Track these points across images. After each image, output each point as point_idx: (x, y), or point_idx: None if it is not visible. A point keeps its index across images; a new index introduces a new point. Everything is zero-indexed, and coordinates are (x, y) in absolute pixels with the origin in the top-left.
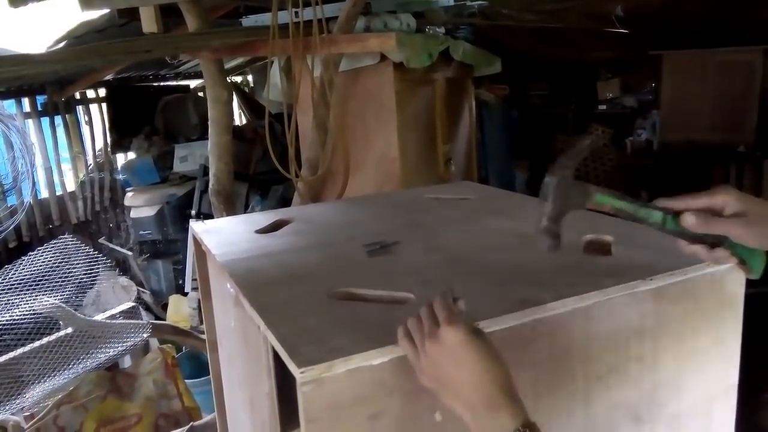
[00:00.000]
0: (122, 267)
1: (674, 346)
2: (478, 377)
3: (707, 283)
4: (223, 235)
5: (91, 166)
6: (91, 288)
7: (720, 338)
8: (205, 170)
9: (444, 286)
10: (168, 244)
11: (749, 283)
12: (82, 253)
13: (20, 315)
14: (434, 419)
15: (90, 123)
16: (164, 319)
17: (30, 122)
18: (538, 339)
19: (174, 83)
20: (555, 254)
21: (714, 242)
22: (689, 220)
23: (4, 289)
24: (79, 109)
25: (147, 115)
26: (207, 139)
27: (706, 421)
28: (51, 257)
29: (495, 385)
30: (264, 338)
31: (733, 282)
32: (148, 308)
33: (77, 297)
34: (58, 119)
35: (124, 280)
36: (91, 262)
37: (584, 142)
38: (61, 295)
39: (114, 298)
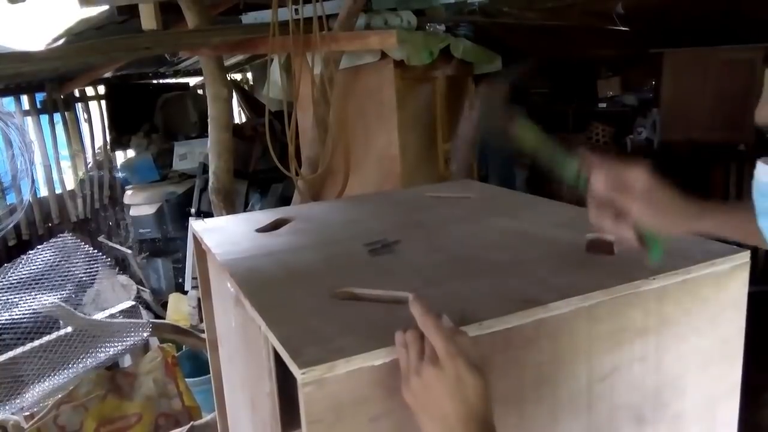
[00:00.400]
0: (122, 265)
1: (677, 346)
2: (467, 412)
3: (711, 283)
4: (224, 234)
5: (90, 164)
6: (90, 286)
7: (723, 338)
8: (204, 168)
9: (456, 311)
10: (167, 243)
11: (751, 282)
12: (81, 251)
13: (20, 314)
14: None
15: (89, 121)
16: (164, 318)
17: (29, 120)
18: (540, 339)
19: (173, 81)
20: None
21: (619, 213)
22: (599, 180)
23: (3, 288)
24: (79, 106)
25: (146, 113)
26: (206, 136)
27: (709, 421)
28: (50, 256)
29: (481, 423)
30: (265, 338)
31: (737, 281)
32: (147, 307)
33: (77, 296)
34: (57, 117)
35: (123, 278)
36: (90, 260)
37: (513, 72)
38: (60, 294)
39: (113, 297)
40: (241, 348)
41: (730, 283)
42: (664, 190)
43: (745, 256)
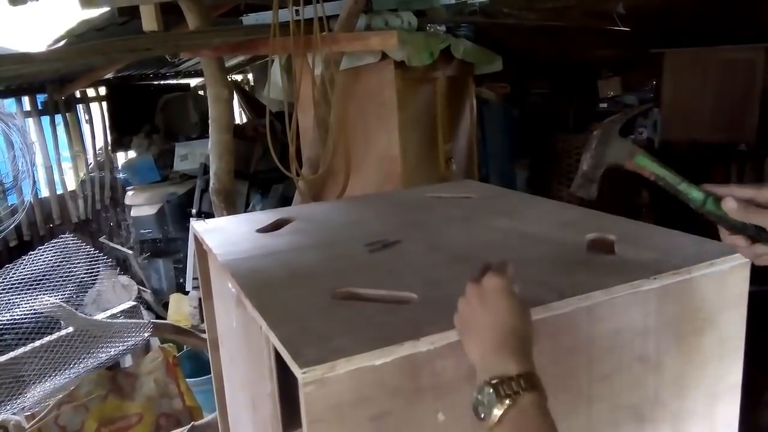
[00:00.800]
0: (123, 266)
1: (678, 346)
2: (501, 323)
3: (711, 283)
4: (225, 235)
5: (91, 165)
6: (91, 287)
7: (724, 338)
8: (205, 169)
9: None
10: (168, 243)
11: (751, 282)
12: (82, 252)
13: (21, 314)
14: (437, 420)
15: (90, 121)
16: (165, 318)
17: (30, 121)
18: (541, 338)
19: (174, 82)
20: (590, 198)
21: (754, 236)
22: (730, 204)
23: (4, 289)
24: (80, 107)
25: (147, 114)
26: (207, 137)
27: (709, 421)
28: (51, 256)
29: (514, 335)
30: (266, 338)
31: (737, 281)
32: (148, 307)
33: (78, 296)
34: (58, 118)
35: (124, 279)
36: (91, 261)
37: (636, 107)
38: (61, 295)
39: (114, 297)
40: (242, 348)
41: (730, 282)
42: None
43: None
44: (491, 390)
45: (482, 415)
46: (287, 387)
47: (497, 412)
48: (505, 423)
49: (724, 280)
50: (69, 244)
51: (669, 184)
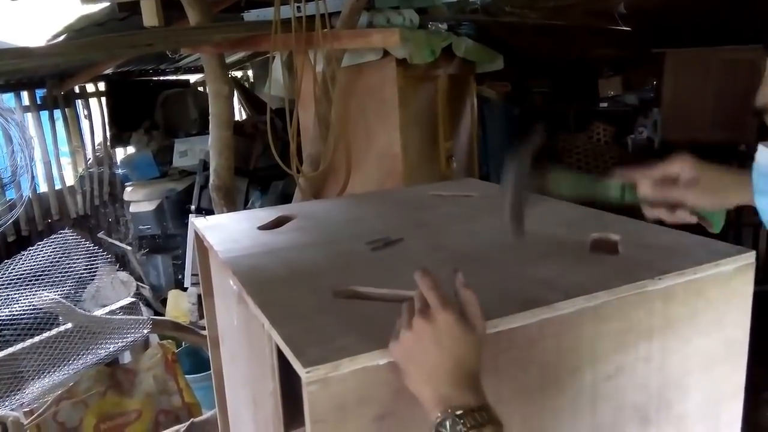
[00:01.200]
0: (122, 262)
1: (682, 347)
2: (456, 361)
3: (716, 283)
4: (226, 232)
5: (90, 161)
6: (90, 283)
7: (728, 339)
8: (205, 165)
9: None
10: (167, 239)
11: (757, 281)
12: (81, 248)
13: (19, 310)
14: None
15: (89, 117)
16: (163, 314)
17: (29, 116)
18: (545, 339)
19: (174, 78)
20: (521, 241)
21: (674, 204)
22: (646, 189)
23: (3, 284)
24: (79, 103)
25: (147, 110)
26: (207, 134)
27: (713, 421)
28: (50, 252)
29: (468, 371)
30: (268, 337)
31: (742, 282)
32: (147, 303)
33: (77, 292)
34: (57, 113)
35: (123, 275)
36: (90, 257)
37: (536, 138)
38: (60, 290)
39: (113, 293)
40: (244, 346)
41: (735, 283)
42: (709, 172)
43: (750, 257)
44: (460, 421)
45: None
46: (289, 385)
47: None
48: None
49: (728, 281)
50: (68, 239)
51: (587, 195)
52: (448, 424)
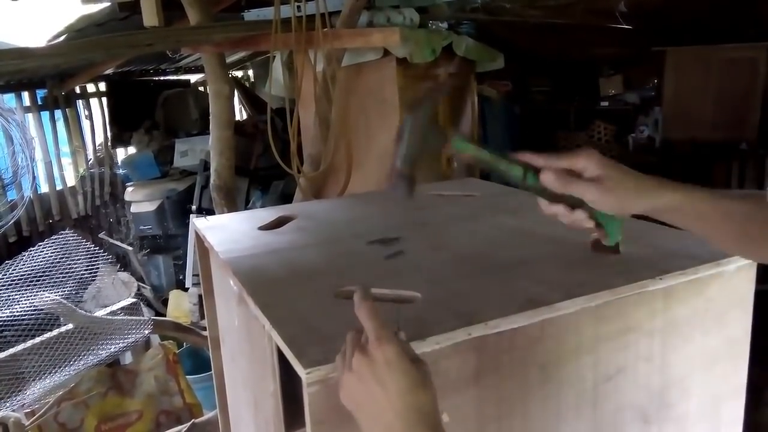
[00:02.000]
0: (123, 262)
1: (683, 346)
2: (403, 403)
3: (717, 283)
4: (226, 232)
5: (91, 161)
6: (91, 283)
7: (729, 338)
8: (205, 165)
9: (393, 309)
10: (168, 239)
11: (757, 281)
12: (82, 248)
13: (21, 311)
14: (442, 420)
15: (90, 117)
16: (164, 315)
17: (30, 116)
18: (546, 339)
19: (174, 77)
20: (409, 201)
21: (574, 204)
22: (548, 178)
23: (4, 285)
24: (80, 103)
25: (147, 110)
26: (208, 133)
27: (714, 421)
28: (51, 253)
29: (419, 413)
30: (269, 337)
31: (744, 281)
32: (148, 304)
33: (78, 292)
34: (58, 113)
35: (124, 275)
36: (91, 257)
37: (433, 99)
38: (61, 291)
39: (114, 294)
40: (244, 346)
41: (736, 283)
42: (614, 171)
43: None
44: None
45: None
46: (290, 386)
47: None
48: None
49: (730, 280)
50: (69, 240)
51: (490, 165)
52: None
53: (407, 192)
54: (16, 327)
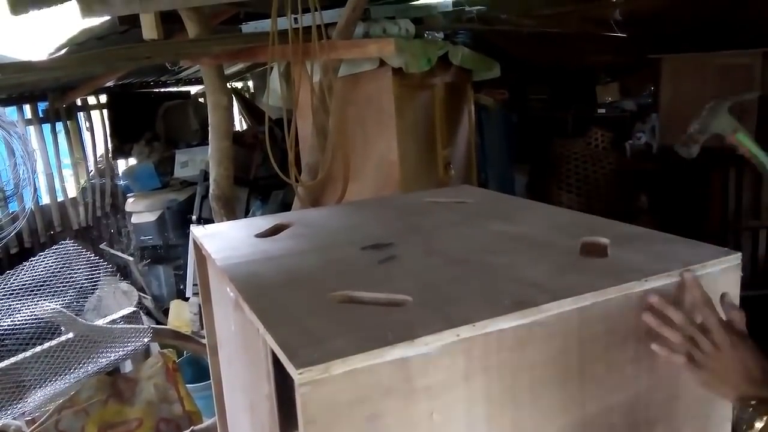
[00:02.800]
0: (123, 272)
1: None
2: (753, 365)
3: (703, 284)
4: (224, 240)
5: (92, 172)
6: (92, 293)
7: None
8: (205, 175)
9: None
10: (169, 250)
11: (751, 286)
12: (83, 258)
13: (22, 320)
14: (432, 420)
15: (91, 129)
16: (165, 324)
17: (31, 129)
18: (534, 340)
19: (174, 89)
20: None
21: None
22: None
23: (5, 295)
24: (81, 115)
25: (148, 121)
26: (207, 144)
27: (702, 422)
28: (52, 263)
29: (760, 370)
30: (263, 341)
31: (729, 283)
32: (149, 313)
33: (78, 302)
34: (59, 126)
35: (125, 285)
36: (92, 267)
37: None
38: (62, 301)
39: (115, 304)
40: (241, 351)
41: (721, 285)
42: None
43: (735, 259)
44: (750, 410)
45: (744, 428)
46: (285, 389)
47: (759, 425)
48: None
49: (715, 282)
50: (69, 250)
51: (761, 165)
52: (748, 411)
53: (691, 152)
54: (17, 336)
